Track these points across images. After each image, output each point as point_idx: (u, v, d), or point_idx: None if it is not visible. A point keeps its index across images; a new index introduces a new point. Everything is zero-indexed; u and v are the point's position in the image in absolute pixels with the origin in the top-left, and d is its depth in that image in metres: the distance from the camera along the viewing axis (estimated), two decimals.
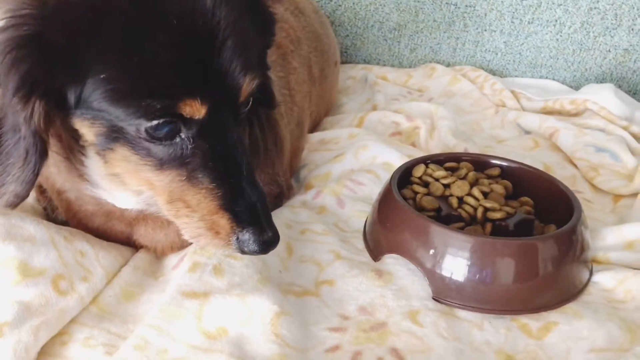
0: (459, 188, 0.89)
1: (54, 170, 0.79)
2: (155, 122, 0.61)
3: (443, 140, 1.18)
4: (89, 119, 0.63)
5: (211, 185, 0.64)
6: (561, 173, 1.16)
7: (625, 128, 1.26)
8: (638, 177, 1.09)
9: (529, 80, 1.63)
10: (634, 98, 1.54)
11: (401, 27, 1.62)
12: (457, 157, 1.00)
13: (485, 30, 1.60)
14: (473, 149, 1.17)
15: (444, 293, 0.79)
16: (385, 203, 0.89)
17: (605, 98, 1.30)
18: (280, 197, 1.00)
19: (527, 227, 0.86)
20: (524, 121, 1.33)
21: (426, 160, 0.98)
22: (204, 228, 0.65)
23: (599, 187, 1.13)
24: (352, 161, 1.12)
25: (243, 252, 0.65)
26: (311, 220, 0.94)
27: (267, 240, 0.65)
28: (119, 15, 0.59)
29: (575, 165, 1.19)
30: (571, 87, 1.61)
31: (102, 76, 0.60)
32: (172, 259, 0.84)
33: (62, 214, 0.88)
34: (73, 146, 0.70)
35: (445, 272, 0.79)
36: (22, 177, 0.64)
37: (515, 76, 1.64)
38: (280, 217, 0.93)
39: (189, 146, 0.64)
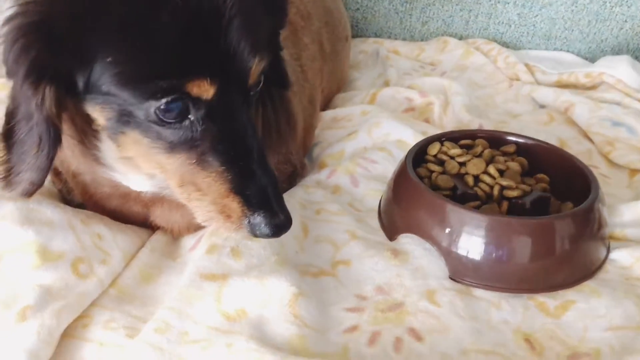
0: (474, 166, 0.88)
1: (69, 154, 0.79)
2: (163, 101, 0.60)
3: (457, 115, 1.16)
4: (100, 104, 0.63)
5: (221, 169, 0.64)
6: (577, 148, 1.14)
7: None
8: None
9: (543, 52, 1.59)
10: None
11: None
12: (472, 134, 0.99)
13: (499, 2, 1.56)
14: (487, 125, 1.16)
15: (461, 272, 0.79)
16: (400, 182, 0.89)
17: (621, 71, 1.28)
18: (294, 176, 1.00)
19: (544, 204, 0.86)
20: (538, 95, 1.31)
21: (441, 138, 0.97)
22: (215, 212, 0.65)
23: (614, 161, 1.12)
24: (366, 139, 1.12)
25: (255, 235, 0.65)
26: (326, 199, 0.94)
27: (279, 224, 0.65)
28: None
29: (590, 140, 1.17)
30: (586, 59, 1.58)
31: (108, 60, 0.60)
32: (188, 240, 0.85)
33: (78, 196, 0.89)
34: (86, 130, 0.70)
35: (462, 251, 0.79)
36: (37, 164, 0.64)
37: (529, 49, 1.61)
38: (294, 197, 0.93)
39: (198, 129, 0.64)
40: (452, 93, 1.22)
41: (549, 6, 1.55)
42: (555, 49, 1.60)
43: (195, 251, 0.80)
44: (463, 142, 0.97)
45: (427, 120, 1.24)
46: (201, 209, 0.66)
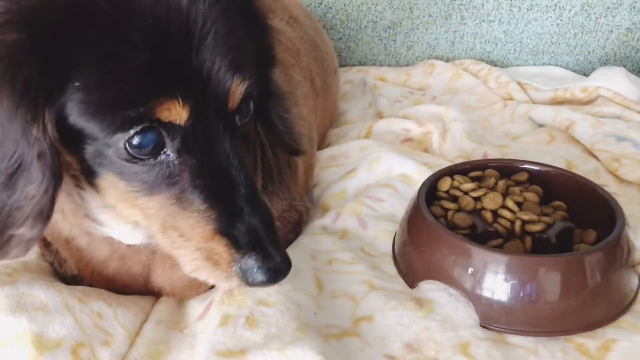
0: (491, 201, 0.84)
1: (59, 217, 0.73)
2: (132, 132, 0.53)
3: (459, 144, 1.12)
4: (74, 144, 0.56)
5: (203, 207, 0.57)
6: (584, 168, 1.11)
7: None
8: None
9: (531, 68, 1.58)
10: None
11: (396, 25, 1.57)
12: (482, 165, 0.95)
13: (484, 20, 1.54)
14: (492, 152, 1.13)
15: (492, 318, 0.74)
16: (415, 223, 0.84)
17: (617, 83, 1.26)
18: (300, 224, 0.95)
19: (567, 235, 0.82)
20: (536, 114, 1.28)
21: (451, 172, 0.93)
22: (201, 259, 0.58)
23: (623, 178, 1.09)
24: (367, 175, 1.07)
25: (249, 284, 0.57)
26: (335, 248, 0.88)
27: (274, 268, 0.57)
28: (95, 13, 0.52)
29: (596, 157, 1.14)
30: (575, 71, 1.56)
31: (76, 84, 0.53)
32: (195, 307, 0.79)
33: (71, 267, 0.82)
34: (68, 179, 0.63)
35: (491, 295, 0.73)
36: (39, 208, 0.55)
37: (517, 65, 1.59)
38: (302, 248, 0.88)
39: (175, 162, 0.56)
40: (450, 120, 1.19)
41: (535, 21, 1.53)
42: (543, 64, 1.59)
43: (204, 321, 0.74)
44: (473, 174, 0.92)
45: (426, 150, 1.20)
46: (186, 257, 0.59)
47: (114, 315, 0.73)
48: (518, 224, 0.81)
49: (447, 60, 1.58)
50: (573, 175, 0.91)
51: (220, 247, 0.57)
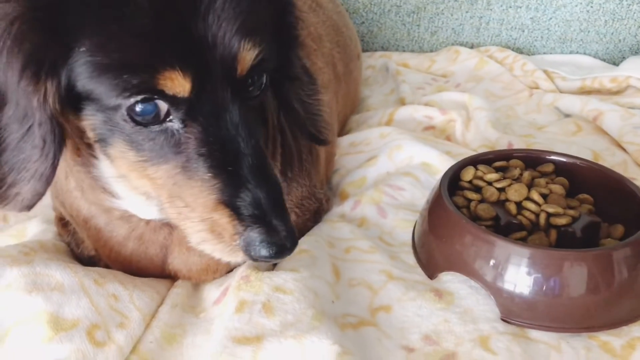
0: (516, 192, 0.81)
1: (78, 195, 0.73)
2: (132, 100, 0.53)
3: (482, 133, 1.10)
4: (84, 110, 0.57)
5: (206, 176, 0.56)
6: (611, 160, 1.08)
7: None
8: None
9: (559, 56, 1.54)
10: None
11: (420, 9, 1.53)
12: (507, 155, 0.92)
13: (511, 6, 1.50)
14: (516, 141, 1.10)
15: (513, 312, 0.72)
16: (436, 213, 0.82)
17: None
18: (320, 212, 0.93)
19: (594, 229, 0.79)
20: (562, 104, 1.24)
21: (474, 161, 0.90)
22: (205, 231, 0.57)
23: None
24: (387, 163, 1.05)
25: (252, 258, 0.55)
26: (354, 236, 0.87)
27: (279, 243, 0.55)
28: None
29: (624, 150, 1.11)
30: (604, 60, 1.52)
31: (82, 49, 0.53)
32: (211, 292, 0.78)
33: (88, 248, 0.82)
34: (85, 150, 0.64)
35: (513, 288, 0.72)
36: (40, 171, 0.57)
37: (544, 53, 1.55)
38: (320, 235, 0.86)
39: (181, 131, 0.56)
40: (474, 108, 1.16)
41: (564, 8, 1.49)
42: (571, 52, 1.54)
43: (221, 306, 0.73)
44: (497, 164, 0.90)
45: (448, 138, 1.17)
46: (192, 229, 0.58)
47: (130, 297, 0.73)
48: (543, 216, 0.78)
49: (472, 47, 1.55)
50: (601, 167, 0.88)
51: (223, 219, 0.55)
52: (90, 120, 0.57)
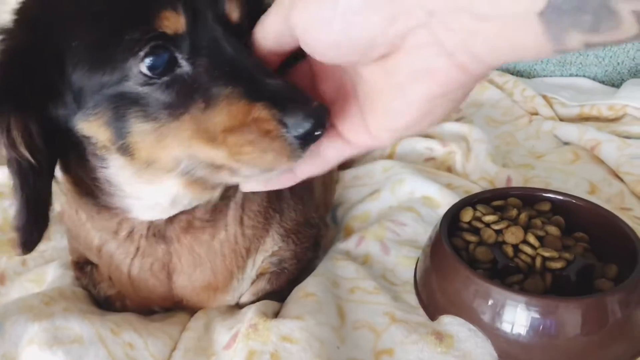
0: (513, 235, 0.85)
1: (89, 225, 0.78)
2: (142, 54, 0.56)
3: (482, 166, 1.13)
4: (92, 112, 0.60)
5: (228, 90, 0.57)
6: (608, 191, 1.11)
7: None
8: None
9: (558, 79, 1.56)
10: None
11: None
12: (504, 194, 0.95)
13: None
14: (513, 174, 1.13)
15: (510, 354, 0.75)
16: (437, 254, 0.85)
17: None
18: (318, 239, 0.96)
19: (588, 271, 0.82)
20: (561, 132, 1.27)
21: (472, 200, 0.94)
22: (255, 136, 0.55)
23: None
24: (390, 198, 1.09)
25: (300, 137, 0.55)
26: (359, 275, 0.90)
27: (317, 107, 0.55)
28: None
29: (621, 180, 1.14)
30: (602, 82, 1.54)
31: (74, 44, 0.58)
32: (222, 334, 0.81)
33: (104, 288, 0.86)
34: (93, 163, 0.67)
35: (510, 331, 0.75)
36: (19, 211, 0.61)
37: (544, 76, 1.58)
38: (325, 275, 0.90)
39: (191, 71, 0.58)
40: (474, 140, 1.19)
41: None
42: (570, 75, 1.57)
43: (230, 352, 0.76)
44: (495, 203, 0.93)
45: (449, 169, 1.20)
46: (246, 152, 0.56)
47: (145, 345, 0.76)
48: (539, 260, 0.81)
49: None
50: (595, 207, 0.91)
51: (262, 112, 0.55)
52: (99, 117, 0.60)
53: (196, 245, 0.78)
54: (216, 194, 0.74)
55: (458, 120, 1.43)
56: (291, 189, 0.81)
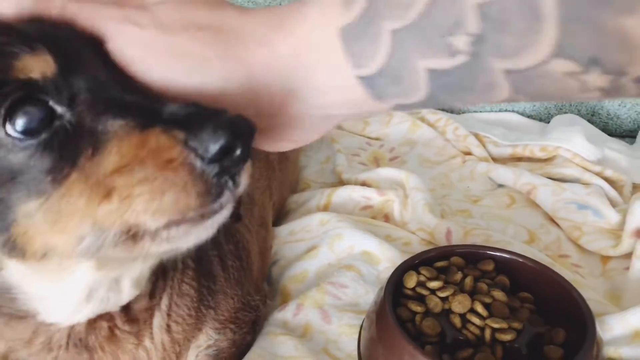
0: (460, 304, 0.80)
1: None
2: (4, 109, 0.45)
3: (420, 217, 1.09)
4: None
5: (117, 123, 0.46)
6: (546, 238, 1.10)
7: (599, 174, 1.21)
8: (625, 239, 1.04)
9: (488, 115, 1.57)
10: (591, 121, 1.51)
11: None
12: (448, 253, 0.91)
13: None
14: (449, 215, 1.10)
15: None
16: (382, 325, 0.80)
17: (577, 144, 1.25)
18: (257, 321, 0.89)
19: (538, 340, 0.79)
20: (496, 175, 1.26)
21: (415, 262, 0.89)
22: (149, 175, 0.44)
23: (585, 247, 1.08)
24: (328, 254, 1.03)
25: (214, 159, 0.44)
26: (298, 353, 0.83)
27: (232, 117, 0.44)
28: None
29: (558, 225, 1.13)
30: (530, 116, 1.56)
31: None
32: None
33: None
34: None
35: None
36: None
37: (474, 112, 1.58)
38: (262, 356, 0.82)
39: (72, 114, 0.47)
40: (411, 188, 1.15)
41: None
42: (500, 110, 1.57)
43: None
44: (439, 264, 0.89)
45: (386, 217, 1.16)
46: (145, 190, 0.44)
47: None
48: (488, 332, 0.78)
49: None
50: (540, 266, 0.89)
51: (160, 137, 0.44)
52: None
53: (121, 353, 0.68)
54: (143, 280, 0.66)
55: (393, 159, 1.40)
56: (226, 274, 0.73)
